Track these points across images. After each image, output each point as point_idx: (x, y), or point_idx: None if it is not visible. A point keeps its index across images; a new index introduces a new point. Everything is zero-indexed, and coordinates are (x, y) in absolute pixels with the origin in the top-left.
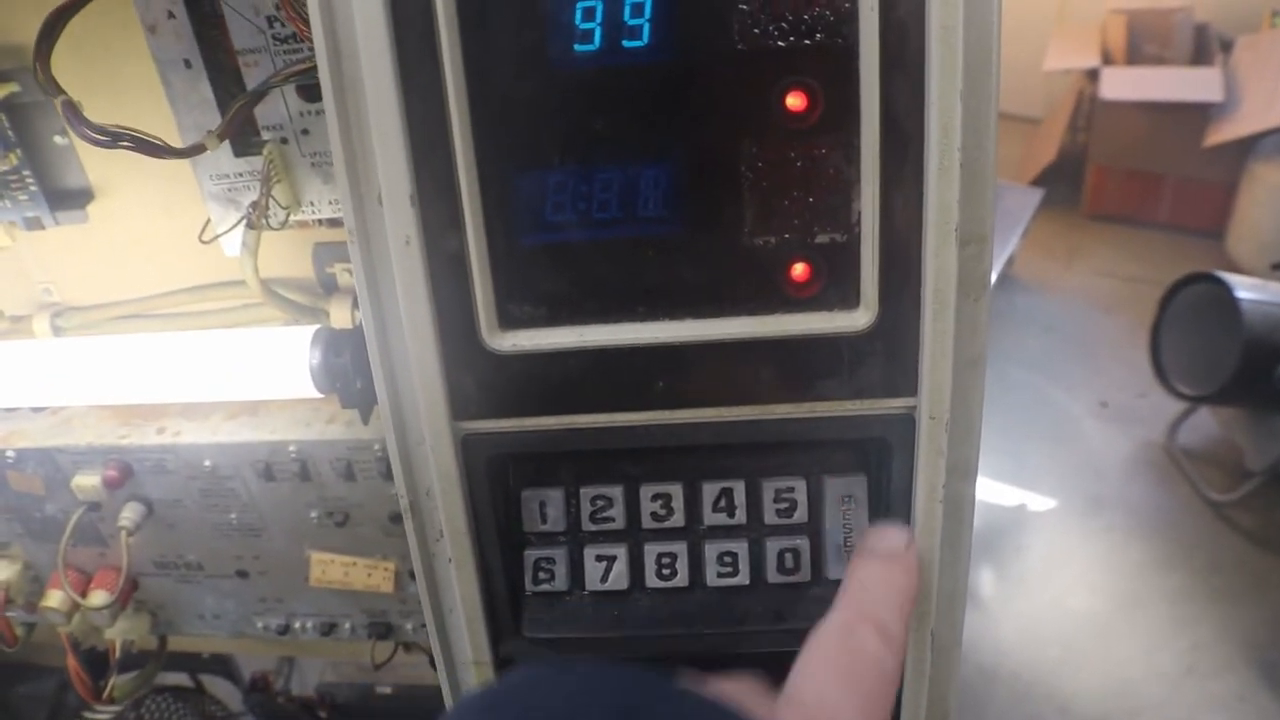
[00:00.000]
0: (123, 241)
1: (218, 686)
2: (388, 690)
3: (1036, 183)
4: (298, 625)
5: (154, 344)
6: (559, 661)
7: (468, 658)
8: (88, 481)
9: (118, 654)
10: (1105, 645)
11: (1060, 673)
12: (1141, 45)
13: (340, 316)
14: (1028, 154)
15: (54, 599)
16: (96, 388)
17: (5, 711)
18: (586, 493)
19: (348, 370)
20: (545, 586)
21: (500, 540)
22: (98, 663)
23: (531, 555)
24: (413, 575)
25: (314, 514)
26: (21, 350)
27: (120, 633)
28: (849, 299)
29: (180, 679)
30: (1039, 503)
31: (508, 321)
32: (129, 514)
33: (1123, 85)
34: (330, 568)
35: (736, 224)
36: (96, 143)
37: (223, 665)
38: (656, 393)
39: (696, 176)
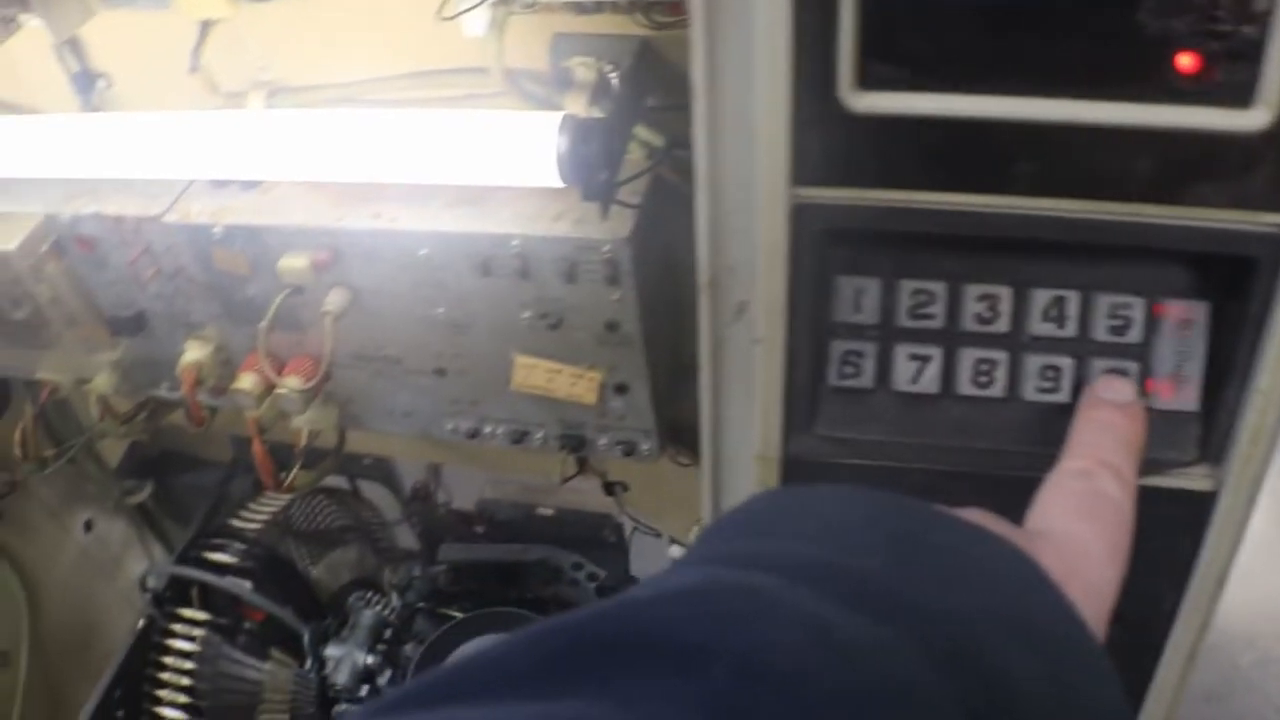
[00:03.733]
0: (346, 17)
1: (377, 495)
2: (549, 512)
3: None
4: (488, 430)
5: (375, 120)
6: (805, 486)
7: (753, 451)
8: (295, 263)
9: (303, 443)
10: (1265, 565)
11: None
12: None
13: (574, 111)
14: None
15: (246, 382)
16: (310, 164)
17: (169, 500)
18: (907, 285)
19: (595, 160)
20: (849, 382)
21: (811, 326)
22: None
23: (839, 346)
24: (618, 389)
25: (526, 315)
26: (234, 121)
27: (308, 422)
28: (1244, 96)
29: (338, 482)
30: None
31: (867, 81)
32: (335, 299)
33: None
34: (534, 372)
35: None
36: None
37: (382, 472)
38: (1015, 177)
39: None
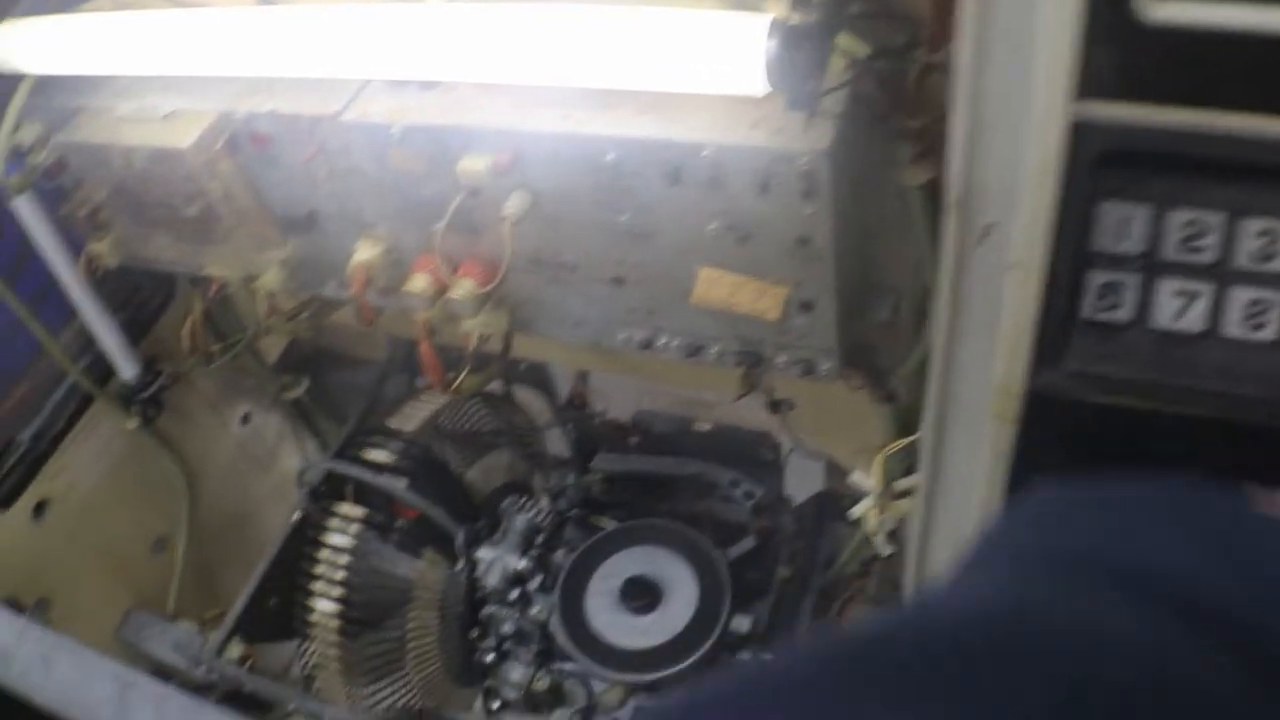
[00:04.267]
0: None
1: (532, 401)
2: (706, 427)
3: None
4: (662, 342)
5: (564, 19)
6: (1091, 480)
7: (993, 384)
8: (475, 165)
9: (473, 347)
10: None
11: None
12: None
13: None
14: None
15: (418, 283)
16: (494, 64)
17: (324, 397)
18: (1178, 216)
19: (804, 67)
20: (1105, 315)
21: (1070, 253)
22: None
23: (1097, 277)
24: (803, 306)
25: (714, 226)
26: (414, 17)
27: (478, 326)
28: None
29: (492, 387)
30: None
31: None
32: (514, 203)
33: None
34: (717, 285)
35: None
36: None
37: (537, 378)
38: None
39: None
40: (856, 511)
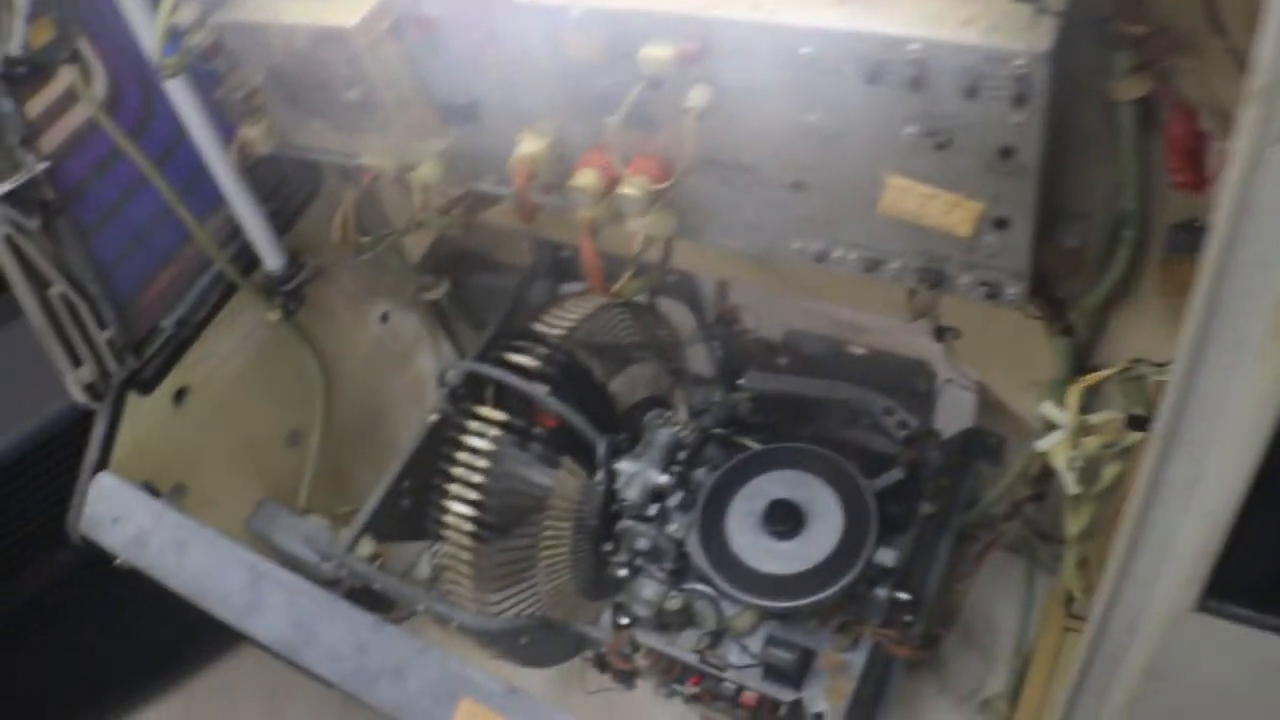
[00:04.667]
0: None
1: (681, 315)
2: (860, 351)
3: None
4: (838, 254)
5: None
6: None
7: (1275, 300)
8: (658, 53)
9: (637, 248)
10: None
11: None
12: None
13: None
14: None
15: (586, 178)
16: None
17: (463, 300)
18: None
19: None
20: None
21: None
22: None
23: None
24: (998, 223)
25: (911, 131)
26: None
27: (646, 227)
28: None
29: (646, 300)
30: None
31: None
32: (698, 96)
33: None
34: (907, 195)
35: None
36: None
37: (687, 291)
38: None
39: None
40: (1044, 445)
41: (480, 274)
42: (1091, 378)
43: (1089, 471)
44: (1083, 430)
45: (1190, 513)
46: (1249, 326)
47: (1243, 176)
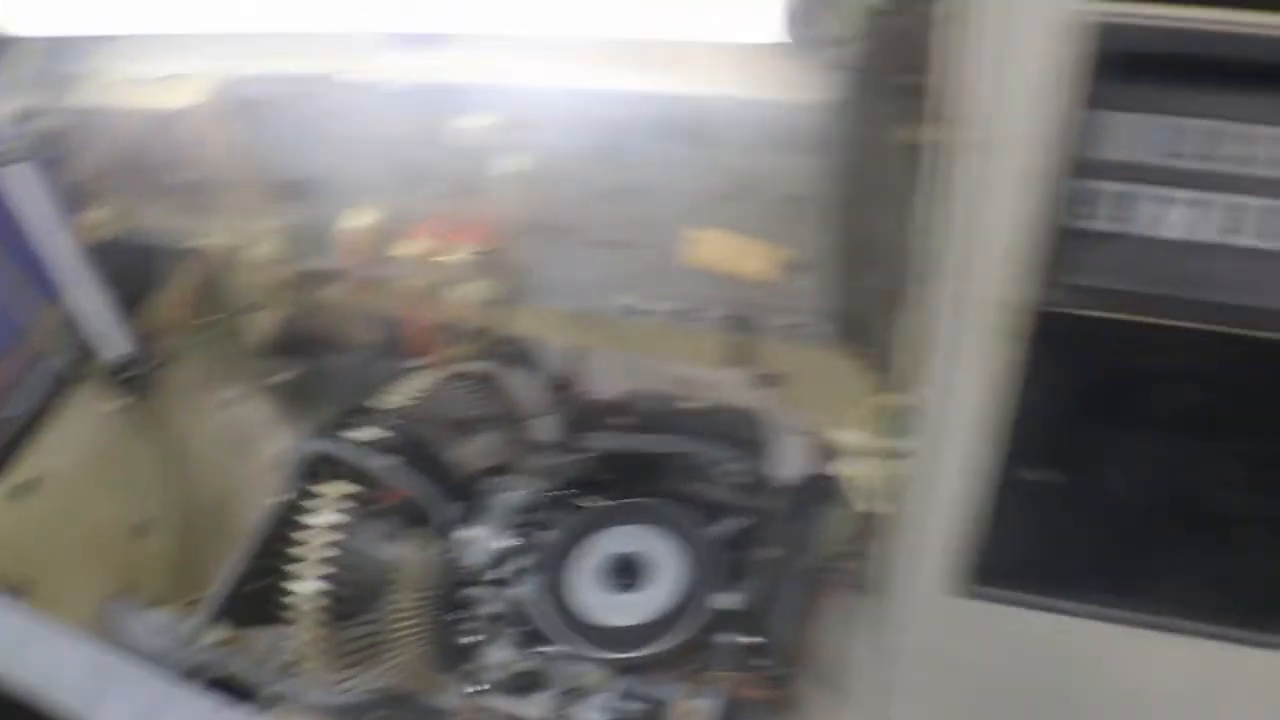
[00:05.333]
0: None
1: (520, 382)
2: (696, 405)
3: None
4: (657, 306)
5: None
6: None
7: (986, 299)
8: (474, 124)
9: (463, 314)
10: None
11: None
12: None
13: None
14: None
15: (414, 248)
16: (492, 18)
17: (310, 383)
18: (1192, 124)
19: (817, 15)
20: (1111, 225)
21: (1070, 161)
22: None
23: (1103, 187)
24: (803, 268)
25: (716, 183)
26: None
27: (472, 294)
28: None
29: (485, 368)
30: None
31: None
32: (511, 163)
33: None
34: (711, 247)
35: None
36: None
37: (528, 357)
38: None
39: None
40: (846, 467)
41: (328, 354)
42: (886, 399)
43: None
44: (885, 454)
45: (936, 505)
46: (982, 329)
47: (944, 192)
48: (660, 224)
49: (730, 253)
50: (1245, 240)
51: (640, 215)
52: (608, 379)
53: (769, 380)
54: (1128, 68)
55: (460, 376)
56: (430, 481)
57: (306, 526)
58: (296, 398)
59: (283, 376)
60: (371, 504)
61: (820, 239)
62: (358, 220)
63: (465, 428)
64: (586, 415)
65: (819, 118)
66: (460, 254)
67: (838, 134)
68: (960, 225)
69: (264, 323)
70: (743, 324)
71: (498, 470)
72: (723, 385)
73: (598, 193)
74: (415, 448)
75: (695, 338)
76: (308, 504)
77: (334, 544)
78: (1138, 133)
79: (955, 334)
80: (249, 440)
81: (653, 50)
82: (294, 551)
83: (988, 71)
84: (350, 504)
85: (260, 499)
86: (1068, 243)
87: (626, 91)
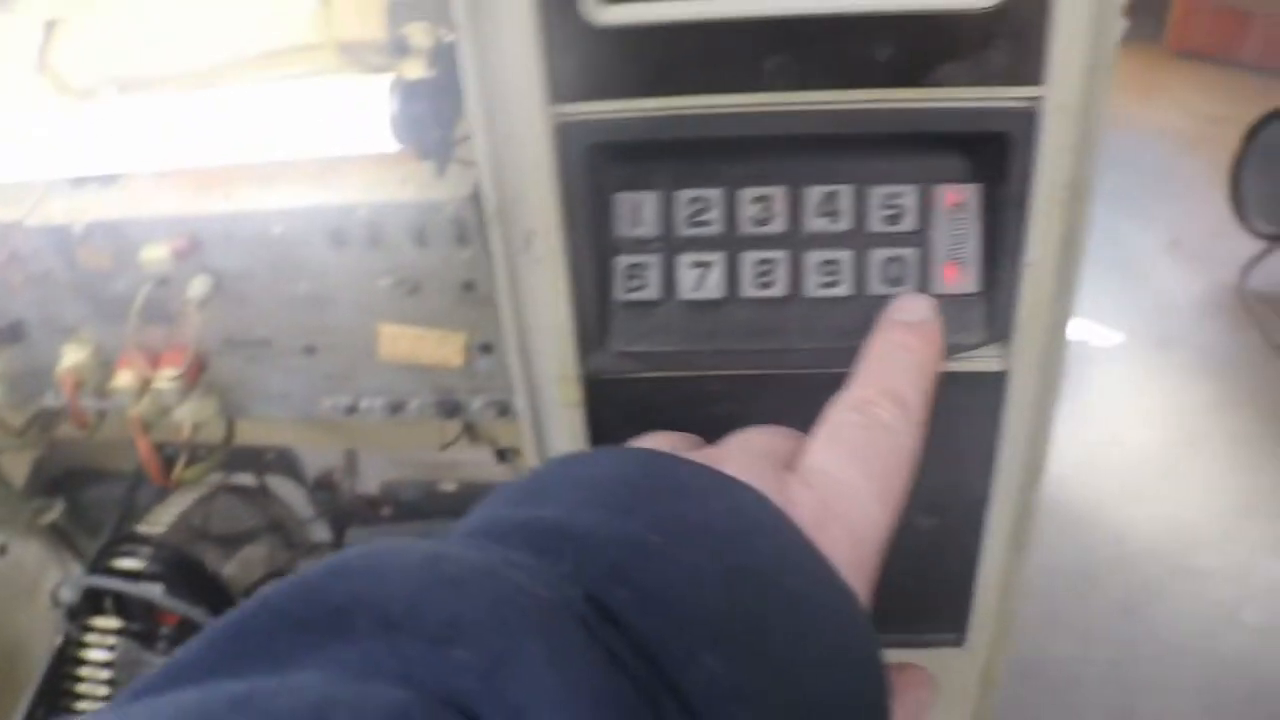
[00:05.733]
0: (188, 5)
1: (284, 488)
2: (451, 487)
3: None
4: (365, 404)
5: (220, 101)
6: (594, 450)
7: (553, 374)
8: (156, 254)
9: (186, 434)
10: (1164, 482)
11: (1118, 505)
12: None
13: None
14: None
15: (124, 379)
16: (164, 153)
17: (82, 515)
18: (683, 195)
19: (427, 120)
20: (636, 295)
21: (591, 244)
22: (173, 460)
23: (623, 261)
24: (483, 348)
25: (384, 283)
26: (84, 117)
27: (189, 414)
28: None
29: (247, 480)
30: (1105, 337)
31: None
32: (197, 286)
33: None
34: (399, 341)
35: None
36: None
37: (288, 466)
38: (766, 74)
39: None
40: None
41: (93, 486)
42: None
43: None
44: None
45: None
46: (544, 409)
47: (507, 284)
48: (350, 327)
49: (418, 344)
50: (747, 292)
51: (330, 321)
52: (369, 473)
53: (506, 455)
54: (615, 155)
55: (221, 491)
56: (205, 600)
57: (87, 663)
58: (72, 535)
59: (52, 515)
60: (150, 630)
61: (494, 319)
62: (71, 357)
63: (236, 540)
64: (353, 511)
65: (462, 210)
66: (165, 380)
67: (480, 223)
68: (513, 307)
69: (17, 466)
70: (451, 408)
71: (273, 578)
72: (478, 464)
73: (284, 304)
74: (184, 568)
75: (419, 426)
76: (86, 640)
77: (113, 677)
78: (641, 208)
79: (534, 405)
80: (32, 584)
81: (312, 167)
82: (75, 690)
83: (497, 164)
84: (127, 636)
85: (47, 643)
86: (604, 315)
87: (289, 208)
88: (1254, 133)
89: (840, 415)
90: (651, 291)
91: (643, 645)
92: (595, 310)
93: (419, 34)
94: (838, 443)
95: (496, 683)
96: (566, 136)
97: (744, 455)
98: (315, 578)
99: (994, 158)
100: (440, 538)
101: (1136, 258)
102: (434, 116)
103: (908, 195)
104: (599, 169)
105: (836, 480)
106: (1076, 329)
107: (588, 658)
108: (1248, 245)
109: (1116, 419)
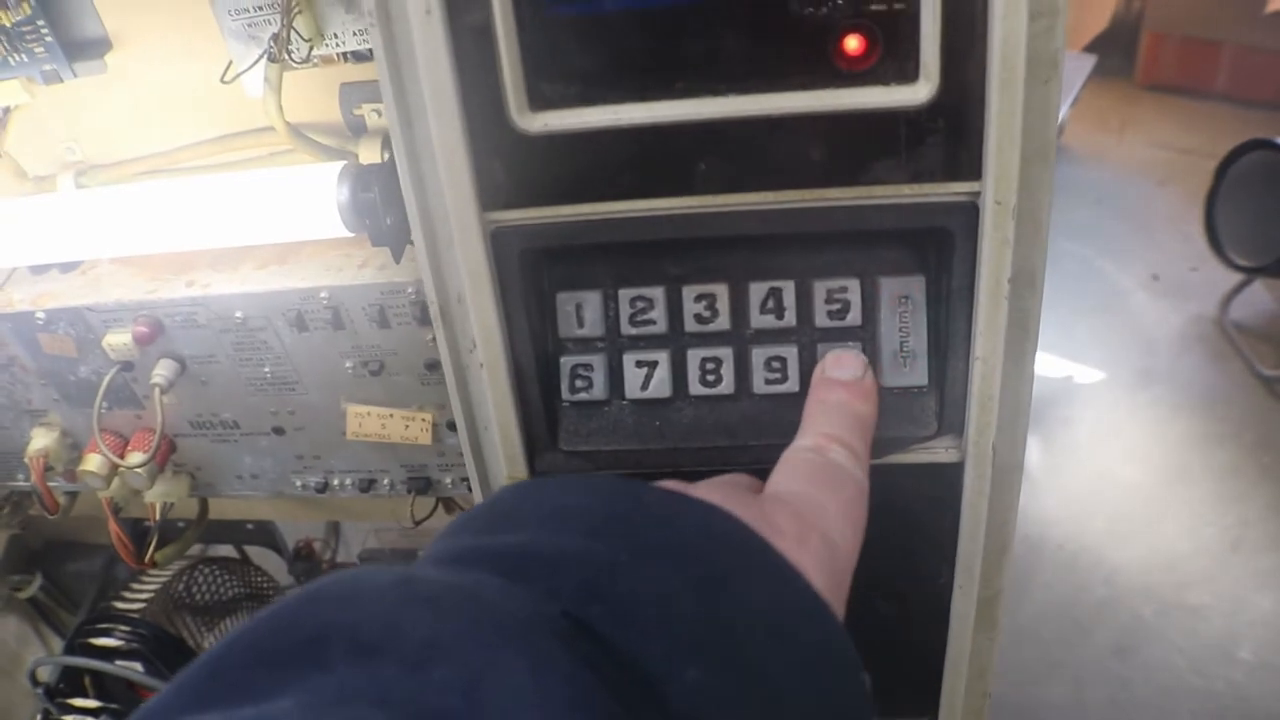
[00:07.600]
0: (144, 92)
1: (264, 558)
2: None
3: (1088, 50)
4: (336, 482)
5: (179, 189)
6: (554, 477)
7: (504, 474)
8: (119, 339)
9: (157, 516)
10: (1152, 519)
11: (1106, 544)
12: None
13: (370, 157)
14: (1079, 20)
15: (92, 463)
16: (124, 240)
17: (56, 588)
18: (626, 294)
19: (377, 205)
20: (583, 395)
21: (534, 345)
22: (146, 536)
23: (568, 362)
24: (450, 426)
25: (349, 364)
26: (45, 205)
27: (160, 495)
28: (907, 72)
29: (227, 551)
30: (1086, 375)
31: (538, 101)
32: (161, 371)
33: None
34: (367, 420)
35: None
36: None
37: (267, 536)
38: (698, 176)
39: None
40: None
41: (72, 559)
42: None
43: None
44: None
45: None
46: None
47: (456, 384)
48: (318, 407)
49: (386, 423)
50: (694, 390)
51: (297, 402)
52: (348, 541)
53: None
54: (555, 258)
55: (200, 563)
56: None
57: None
58: (52, 610)
59: (30, 591)
60: (130, 708)
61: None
62: (39, 441)
63: (218, 612)
64: None
65: (420, 291)
66: (134, 463)
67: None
68: (464, 409)
69: None
70: (419, 484)
71: None
72: None
73: (250, 387)
74: (164, 644)
75: (394, 500)
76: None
77: None
78: (584, 308)
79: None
80: (12, 660)
81: (273, 251)
82: None
83: (438, 270)
84: (107, 716)
85: (27, 718)
86: (552, 416)
87: (250, 293)
88: (1224, 168)
89: (796, 455)
90: (599, 391)
91: (621, 657)
92: (542, 412)
93: (373, 115)
94: (799, 473)
95: (479, 697)
96: (501, 242)
97: (712, 484)
98: (286, 609)
99: (936, 251)
100: (407, 565)
101: (1116, 294)
102: (385, 203)
103: (852, 289)
104: (538, 271)
105: (806, 498)
106: (1058, 367)
107: (568, 670)
108: (1227, 277)
109: (1102, 457)
